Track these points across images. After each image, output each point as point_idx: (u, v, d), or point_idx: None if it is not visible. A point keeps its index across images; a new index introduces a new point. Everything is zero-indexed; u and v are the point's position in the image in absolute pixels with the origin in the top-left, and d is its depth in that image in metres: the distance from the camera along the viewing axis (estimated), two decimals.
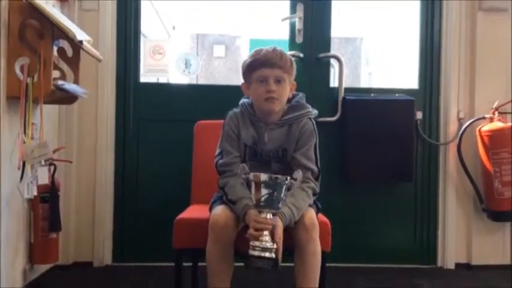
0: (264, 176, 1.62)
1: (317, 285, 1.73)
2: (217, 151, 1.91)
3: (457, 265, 2.84)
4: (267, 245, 1.61)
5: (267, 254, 1.60)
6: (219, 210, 1.76)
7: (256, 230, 1.62)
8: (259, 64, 1.82)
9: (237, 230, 1.72)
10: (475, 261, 2.83)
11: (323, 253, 1.77)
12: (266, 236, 1.62)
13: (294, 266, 1.75)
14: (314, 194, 1.83)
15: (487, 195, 2.76)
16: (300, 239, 1.71)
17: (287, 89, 1.84)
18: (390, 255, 2.86)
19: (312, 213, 1.77)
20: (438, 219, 2.89)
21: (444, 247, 2.86)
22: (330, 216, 1.90)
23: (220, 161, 1.88)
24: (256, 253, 1.60)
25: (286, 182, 1.63)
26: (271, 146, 1.86)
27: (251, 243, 1.61)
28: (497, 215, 2.75)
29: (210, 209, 1.84)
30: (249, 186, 1.67)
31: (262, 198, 1.62)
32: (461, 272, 2.77)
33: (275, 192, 1.62)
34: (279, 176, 1.63)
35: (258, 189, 1.63)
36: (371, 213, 2.89)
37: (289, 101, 1.90)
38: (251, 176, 1.64)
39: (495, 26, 2.83)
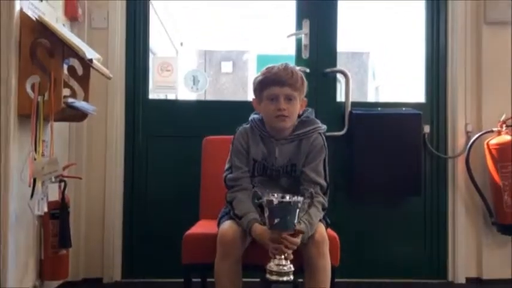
0: (276, 200, 1.61)
1: None
2: (227, 166, 1.93)
3: (468, 279, 2.81)
4: (284, 268, 1.60)
5: (285, 278, 1.60)
6: (227, 225, 1.77)
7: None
8: (270, 82, 1.83)
9: (245, 245, 1.72)
10: (485, 276, 2.80)
11: (332, 268, 1.77)
12: (282, 259, 1.61)
13: (303, 282, 1.74)
14: (323, 209, 1.83)
15: (496, 209, 2.75)
16: (310, 254, 1.71)
17: (297, 106, 1.86)
18: (400, 269, 2.84)
19: (322, 228, 1.77)
20: (448, 233, 2.87)
21: (454, 261, 2.83)
22: (337, 231, 1.90)
23: (230, 175, 1.89)
24: (274, 278, 1.60)
25: (299, 204, 1.62)
26: (281, 161, 1.87)
27: (268, 267, 1.61)
28: (507, 229, 2.73)
29: (218, 224, 1.85)
30: (262, 211, 1.65)
31: (276, 222, 1.61)
32: (472, 287, 2.74)
33: (288, 216, 1.61)
34: (292, 199, 1.61)
35: (271, 213, 1.62)
36: (379, 228, 2.87)
37: (298, 116, 1.92)
38: (264, 201, 1.63)
39: (500, 38, 2.84)
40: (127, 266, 2.79)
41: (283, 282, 1.59)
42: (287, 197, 1.63)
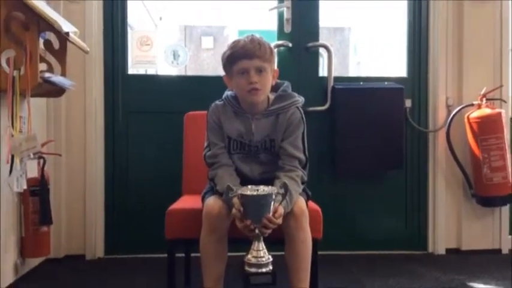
0: (250, 193, 1.59)
1: (308, 273, 1.74)
2: (205, 144, 1.91)
3: (448, 250, 2.87)
4: (262, 260, 1.59)
5: (263, 270, 1.59)
6: (212, 200, 1.76)
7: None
8: (238, 56, 1.79)
9: (230, 219, 1.72)
10: (465, 247, 2.86)
11: (315, 241, 1.78)
12: (260, 250, 1.61)
13: (284, 255, 1.75)
14: (302, 183, 1.83)
15: (476, 181, 2.79)
16: (289, 227, 1.71)
17: (269, 78, 1.82)
18: (381, 242, 2.89)
19: (301, 201, 1.76)
20: (428, 205, 2.91)
21: (434, 233, 2.89)
22: (320, 204, 1.91)
23: (208, 153, 1.87)
24: (253, 269, 1.59)
25: (274, 197, 1.61)
26: (259, 137, 1.85)
27: (245, 259, 1.60)
28: (487, 201, 2.78)
29: (202, 200, 1.84)
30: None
31: (250, 215, 1.60)
32: (452, 257, 2.80)
33: (262, 208, 1.59)
34: (265, 193, 1.59)
35: (245, 206, 1.61)
36: (362, 201, 2.90)
37: (273, 89, 1.89)
38: (238, 194, 1.61)
39: (482, 13, 2.84)
40: (110, 242, 2.78)
41: (262, 273, 1.59)
42: (261, 188, 1.61)
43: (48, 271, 2.50)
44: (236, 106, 1.86)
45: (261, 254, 1.60)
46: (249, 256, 1.61)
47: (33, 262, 2.47)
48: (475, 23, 2.85)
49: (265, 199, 1.59)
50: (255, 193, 1.60)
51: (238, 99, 1.87)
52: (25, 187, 2.03)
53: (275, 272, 1.60)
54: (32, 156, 2.07)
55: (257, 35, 1.84)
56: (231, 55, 1.81)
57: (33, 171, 2.19)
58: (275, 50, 1.88)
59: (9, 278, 2.23)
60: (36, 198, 2.25)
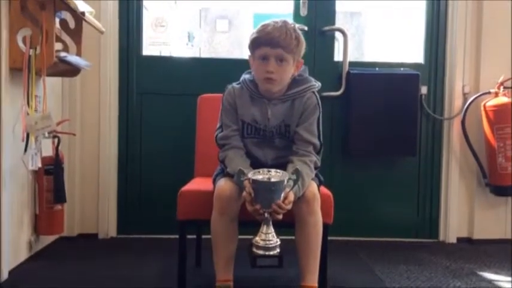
0: (261, 178, 1.59)
1: (318, 257, 1.74)
2: (218, 125, 1.91)
3: (459, 239, 2.86)
4: (270, 243, 1.60)
5: (271, 253, 1.60)
6: (223, 182, 1.76)
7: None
8: (261, 42, 1.76)
9: (241, 202, 1.72)
10: (476, 236, 2.85)
11: (326, 225, 1.78)
12: (269, 234, 1.61)
13: (295, 239, 1.75)
14: (316, 168, 1.83)
15: (490, 170, 2.76)
16: (300, 211, 1.71)
17: (289, 69, 1.79)
18: (393, 229, 2.88)
19: (313, 185, 1.76)
20: (441, 193, 2.90)
21: (446, 221, 2.87)
22: (333, 190, 1.90)
23: (220, 134, 1.87)
24: (260, 252, 1.60)
25: (285, 183, 1.60)
26: (274, 122, 1.84)
27: (254, 241, 1.61)
28: (500, 190, 2.75)
29: (214, 182, 1.84)
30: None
31: (261, 200, 1.60)
32: (463, 246, 2.79)
33: (274, 194, 1.59)
34: (277, 179, 1.58)
35: (256, 192, 1.61)
36: (374, 188, 2.90)
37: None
38: (249, 179, 1.61)
39: (502, 1, 2.79)
40: (122, 222, 2.81)
41: (269, 256, 1.60)
42: (272, 172, 1.61)
43: (61, 249, 2.53)
44: (253, 90, 1.85)
45: (269, 237, 1.61)
46: (258, 238, 1.62)
47: (47, 240, 2.51)
48: (495, 10, 2.80)
49: (276, 185, 1.59)
50: (266, 179, 1.60)
51: (256, 83, 1.85)
52: (40, 165, 2.06)
53: (282, 256, 1.61)
54: (46, 135, 2.10)
55: (290, 22, 1.79)
56: (255, 39, 1.79)
57: (47, 150, 2.22)
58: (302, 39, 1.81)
59: (23, 254, 2.27)
60: (51, 177, 2.27)
